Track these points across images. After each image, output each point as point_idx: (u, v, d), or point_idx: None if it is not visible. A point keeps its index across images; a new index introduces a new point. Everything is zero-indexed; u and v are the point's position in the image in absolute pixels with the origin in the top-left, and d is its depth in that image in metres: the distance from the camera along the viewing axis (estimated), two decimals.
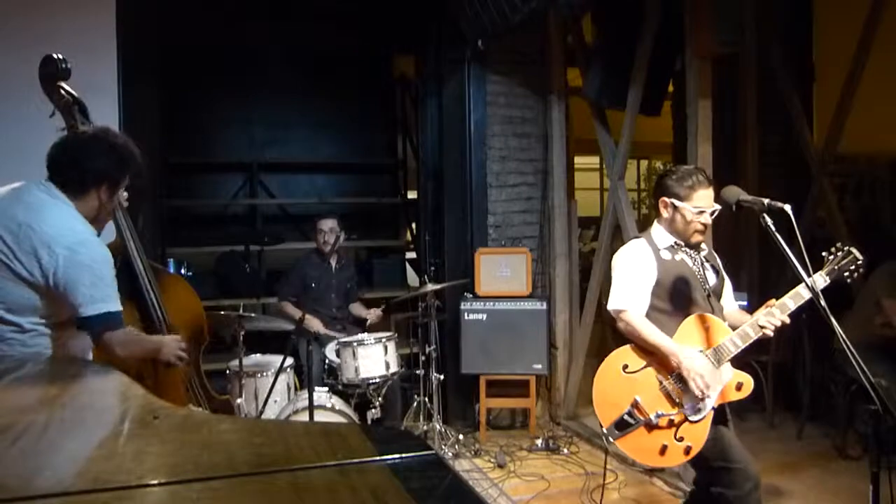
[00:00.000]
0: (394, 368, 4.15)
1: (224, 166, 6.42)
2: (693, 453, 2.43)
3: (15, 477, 1.05)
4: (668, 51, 4.32)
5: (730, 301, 2.76)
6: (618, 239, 4.49)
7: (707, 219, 2.54)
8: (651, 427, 2.44)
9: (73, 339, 2.21)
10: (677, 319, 2.52)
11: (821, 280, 2.41)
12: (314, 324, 4.55)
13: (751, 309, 4.94)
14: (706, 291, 2.59)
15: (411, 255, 6.83)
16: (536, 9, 4.14)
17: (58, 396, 1.55)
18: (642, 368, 2.52)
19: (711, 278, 2.63)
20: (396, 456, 1.09)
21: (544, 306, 4.75)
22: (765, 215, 2.19)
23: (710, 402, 2.45)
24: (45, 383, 1.73)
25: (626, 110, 4.28)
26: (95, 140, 2.20)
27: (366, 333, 4.39)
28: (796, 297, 2.44)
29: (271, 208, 6.55)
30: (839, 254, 2.44)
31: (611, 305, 2.59)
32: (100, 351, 2.18)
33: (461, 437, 4.59)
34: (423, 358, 4.52)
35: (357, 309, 4.93)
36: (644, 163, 10.61)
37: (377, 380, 4.07)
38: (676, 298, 2.54)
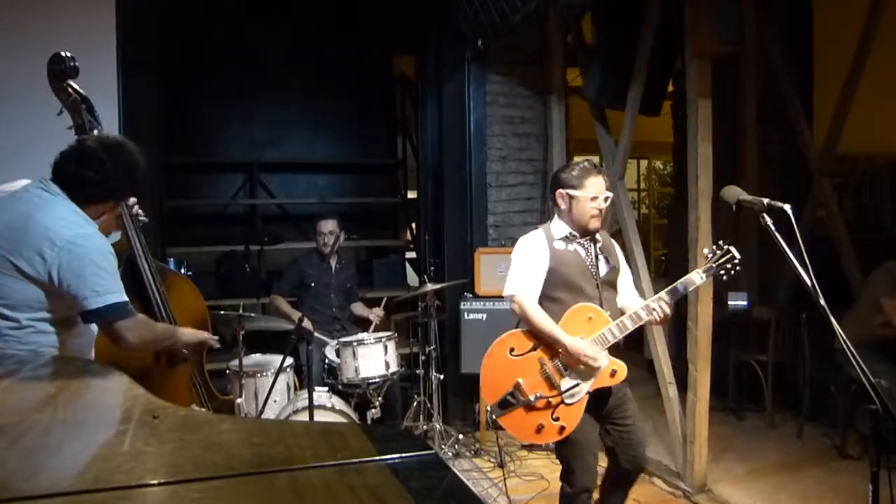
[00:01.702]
0: (394, 368, 4.15)
1: (224, 166, 6.43)
2: (566, 433, 2.61)
3: (15, 477, 1.05)
4: (668, 51, 4.32)
5: (627, 290, 2.87)
6: (618, 239, 4.49)
7: (601, 203, 2.69)
8: (530, 407, 2.61)
9: (73, 338, 2.21)
10: (566, 307, 2.66)
11: (698, 277, 2.61)
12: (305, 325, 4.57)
13: (750, 308, 4.94)
14: (596, 281, 2.71)
15: (411, 255, 6.84)
16: (536, 9, 4.13)
17: (58, 396, 1.55)
18: (527, 352, 2.67)
19: (603, 268, 2.75)
20: (396, 456, 1.09)
21: None
22: (765, 215, 2.19)
23: (585, 387, 2.62)
24: (45, 383, 1.73)
25: (626, 110, 4.28)
26: (105, 155, 2.17)
27: (366, 333, 4.39)
28: (687, 282, 2.63)
29: (271, 208, 6.56)
30: (718, 252, 2.61)
31: (505, 291, 2.76)
32: (111, 342, 2.18)
33: (461, 437, 4.59)
34: (423, 358, 4.52)
35: (359, 309, 4.93)
36: (644, 163, 10.60)
37: (377, 380, 4.07)
38: (566, 287, 2.69)
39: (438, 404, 4.40)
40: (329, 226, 4.72)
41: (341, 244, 4.84)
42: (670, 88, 4.90)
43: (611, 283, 2.78)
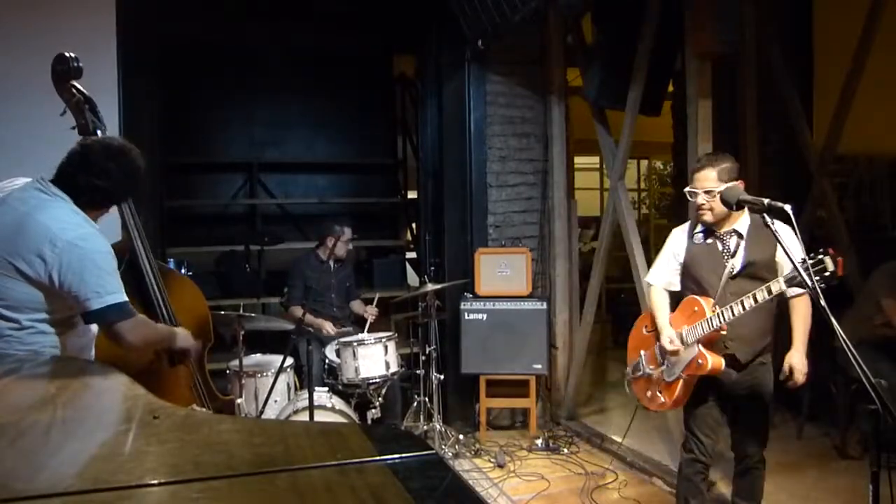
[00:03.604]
0: (394, 368, 4.15)
1: (224, 166, 6.43)
2: (667, 406, 2.95)
3: (15, 477, 1.05)
4: (668, 50, 4.32)
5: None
6: (618, 239, 4.49)
7: (701, 199, 2.73)
8: (648, 377, 2.99)
9: (73, 338, 2.21)
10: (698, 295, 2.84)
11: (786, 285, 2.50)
12: (326, 326, 4.58)
13: None
14: (726, 275, 2.73)
15: (411, 255, 6.84)
16: (536, 9, 4.13)
17: (58, 396, 1.55)
18: (653, 331, 2.98)
19: (739, 262, 2.73)
20: (396, 456, 1.09)
21: (544, 306, 4.75)
22: (765, 215, 2.19)
23: (677, 370, 2.85)
24: (45, 383, 1.73)
25: (626, 110, 4.28)
26: (112, 164, 2.18)
27: (366, 333, 4.39)
28: (767, 291, 2.55)
29: (271, 208, 6.56)
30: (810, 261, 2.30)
31: (645, 277, 3.11)
32: (113, 342, 2.18)
33: (461, 437, 4.59)
34: (423, 358, 4.52)
35: (357, 307, 4.94)
36: (644, 163, 10.60)
37: (377, 380, 4.07)
38: (693, 280, 2.87)
39: (438, 404, 4.40)
40: (350, 233, 4.75)
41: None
42: (670, 88, 4.89)
43: (752, 276, 2.71)
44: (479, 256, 4.85)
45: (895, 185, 5.40)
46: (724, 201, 2.53)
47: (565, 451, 4.42)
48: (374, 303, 4.76)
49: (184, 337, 2.54)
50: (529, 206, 5.15)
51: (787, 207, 2.14)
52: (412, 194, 6.74)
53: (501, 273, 4.82)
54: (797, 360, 2.79)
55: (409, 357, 4.97)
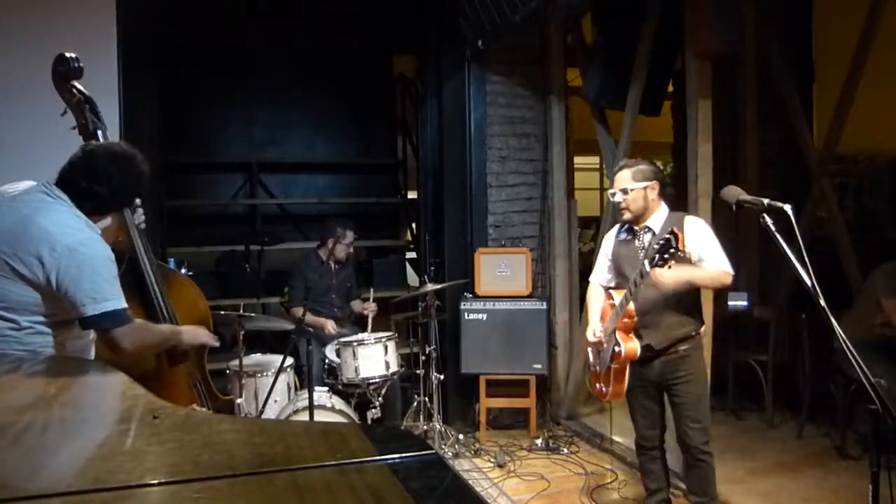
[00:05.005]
0: (394, 368, 4.16)
1: (224, 166, 6.43)
2: (610, 396, 3.11)
3: (15, 477, 1.05)
4: (668, 51, 4.32)
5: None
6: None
7: (618, 197, 2.99)
8: (595, 371, 3.18)
9: (73, 338, 2.21)
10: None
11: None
12: (328, 325, 4.58)
13: (749, 308, 4.94)
14: (641, 266, 2.85)
15: (411, 255, 6.84)
16: (536, 9, 4.13)
17: (57, 396, 1.55)
18: None
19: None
20: (396, 456, 1.09)
21: (544, 306, 4.75)
22: (764, 215, 2.18)
23: (603, 361, 3.07)
24: (45, 383, 1.73)
25: (626, 110, 4.28)
26: (114, 169, 2.18)
27: (366, 333, 4.39)
28: (639, 274, 2.78)
29: (271, 208, 6.56)
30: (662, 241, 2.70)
31: None
32: (108, 348, 2.17)
33: (461, 437, 4.59)
34: (423, 358, 4.52)
35: (357, 306, 4.94)
36: None
37: (377, 380, 4.07)
38: (618, 275, 3.12)
39: (438, 404, 4.40)
40: (351, 235, 4.75)
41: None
42: (670, 88, 4.90)
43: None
44: (479, 256, 4.85)
45: (895, 185, 5.39)
46: (723, 201, 2.53)
47: (565, 450, 4.42)
48: (371, 298, 4.77)
49: (191, 334, 2.53)
50: (529, 206, 5.15)
51: (787, 207, 2.14)
52: (412, 194, 6.73)
53: (501, 273, 4.82)
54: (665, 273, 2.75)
55: (409, 357, 4.97)
